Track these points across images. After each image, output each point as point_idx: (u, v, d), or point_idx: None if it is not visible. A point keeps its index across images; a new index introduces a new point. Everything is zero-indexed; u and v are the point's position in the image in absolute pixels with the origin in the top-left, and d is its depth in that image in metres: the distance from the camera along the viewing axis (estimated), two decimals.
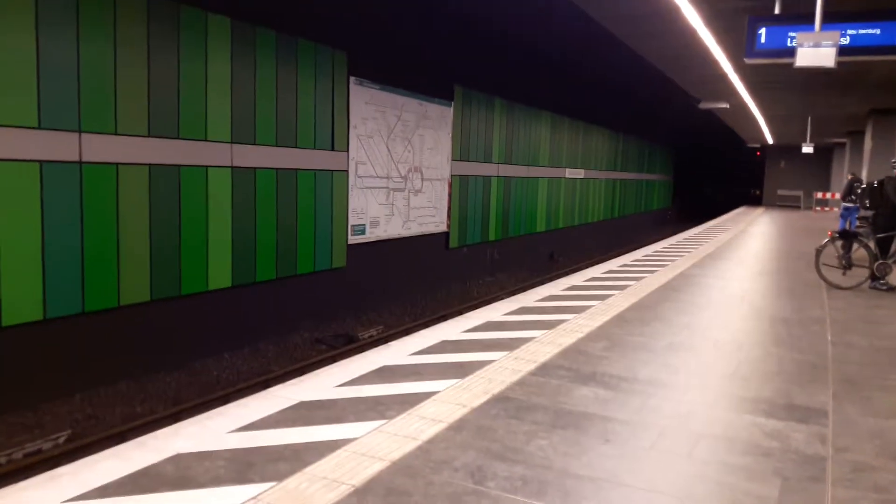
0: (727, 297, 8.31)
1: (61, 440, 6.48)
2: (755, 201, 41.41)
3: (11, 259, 6.78)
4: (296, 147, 10.26)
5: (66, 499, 2.84)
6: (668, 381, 4.76)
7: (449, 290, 14.72)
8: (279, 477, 3.11)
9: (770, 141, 32.71)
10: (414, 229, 13.56)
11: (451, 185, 14.76)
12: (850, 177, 16.99)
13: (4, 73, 6.58)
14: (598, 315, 6.94)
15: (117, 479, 3.03)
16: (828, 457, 3.56)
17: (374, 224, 12.31)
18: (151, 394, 7.86)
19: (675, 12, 8.88)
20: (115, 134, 7.68)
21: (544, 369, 4.95)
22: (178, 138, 8.41)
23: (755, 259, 12.52)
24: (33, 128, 6.88)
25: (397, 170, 12.86)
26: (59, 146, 7.12)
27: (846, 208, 16.05)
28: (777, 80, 14.56)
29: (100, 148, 7.51)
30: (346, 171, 11.41)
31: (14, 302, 6.82)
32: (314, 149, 10.64)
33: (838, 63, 6.71)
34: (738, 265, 11.48)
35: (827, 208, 31.81)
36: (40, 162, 6.97)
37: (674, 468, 3.36)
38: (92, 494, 2.88)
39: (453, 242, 15.13)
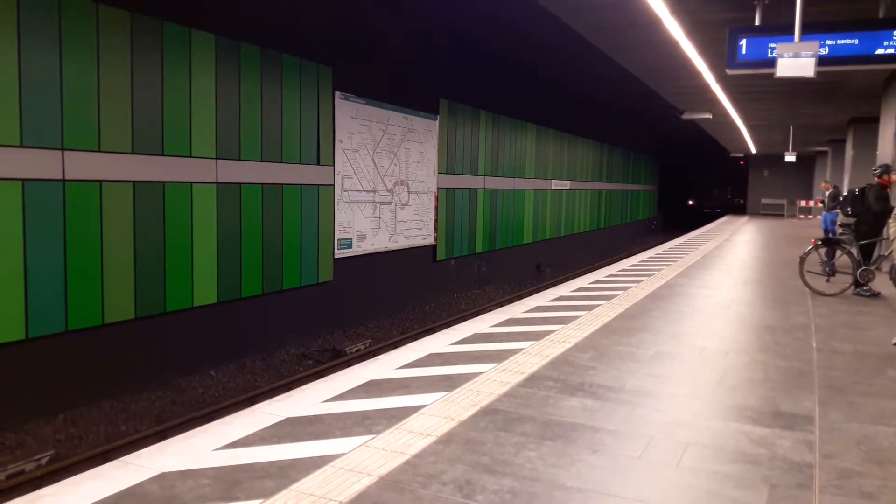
0: (713, 305, 8.35)
1: (44, 461, 6.38)
2: (739, 210, 41.82)
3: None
4: (281, 162, 10.24)
5: None
6: (656, 391, 4.77)
7: (437, 302, 14.71)
8: (266, 494, 3.08)
9: (753, 150, 33.06)
10: (401, 242, 13.55)
11: (437, 198, 14.78)
12: (825, 185, 17.13)
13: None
14: (585, 325, 6.95)
15: (101, 499, 2.99)
16: (815, 463, 3.57)
17: (361, 238, 12.29)
18: (135, 413, 7.77)
19: (656, 24, 8.98)
20: (99, 151, 7.63)
21: (532, 381, 4.94)
22: (162, 155, 8.37)
23: (740, 267, 12.60)
24: (15, 146, 6.83)
25: (384, 183, 12.86)
26: (42, 164, 7.06)
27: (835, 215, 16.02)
28: (759, 91, 14.75)
29: (83, 165, 7.46)
30: (333, 185, 11.40)
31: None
32: (300, 163, 10.62)
33: (818, 73, 6.81)
34: (724, 274, 11.55)
35: (810, 216, 32.14)
36: (22, 180, 6.91)
37: (662, 477, 3.36)
38: None
39: (440, 255, 15.13)
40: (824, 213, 16.29)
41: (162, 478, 3.21)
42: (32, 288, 7.06)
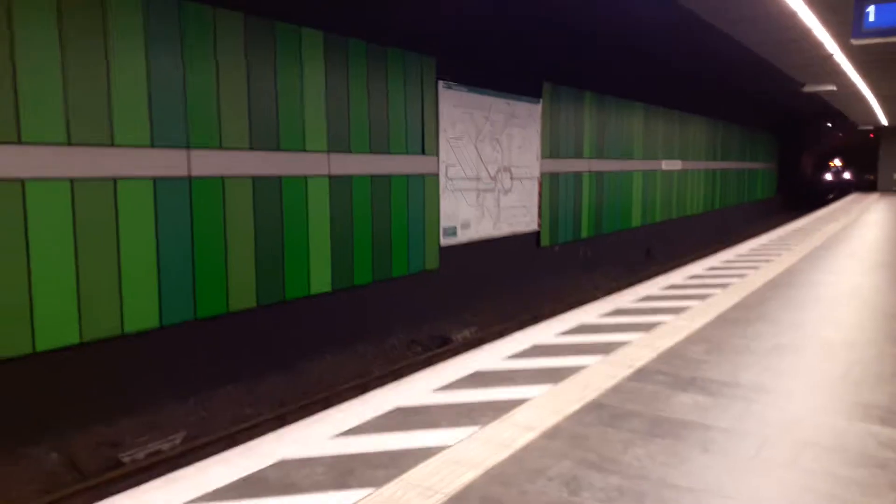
0: (838, 293, 7.86)
1: (178, 440, 6.90)
2: (869, 187, 38.89)
3: (131, 271, 7.28)
4: (389, 153, 10.49)
5: (182, 502, 3.04)
6: (773, 386, 4.57)
7: (541, 289, 14.63)
8: (377, 483, 3.21)
9: (884, 122, 30.59)
10: (504, 229, 13.56)
11: (541, 184, 14.66)
12: None
13: (120, 97, 7.08)
14: (697, 316, 6.73)
15: (226, 484, 3.21)
16: None
17: (465, 226, 12.40)
18: (259, 396, 8.24)
19: None
20: (221, 149, 8.10)
21: (641, 374, 4.85)
22: (278, 150, 8.78)
23: (869, 251, 11.76)
24: (147, 146, 7.37)
25: (486, 170, 12.90)
26: (171, 163, 7.59)
27: None
28: (890, 59, 13.62)
29: (207, 162, 7.95)
30: (437, 174, 11.55)
31: (133, 311, 7.32)
32: (406, 154, 10.83)
33: None
34: (850, 258, 10.83)
35: None
36: (154, 178, 7.45)
37: (778, 479, 3.23)
38: (205, 498, 3.08)
39: (545, 241, 15.02)
40: None
41: (281, 465, 3.41)
42: (165, 278, 7.61)
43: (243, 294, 8.48)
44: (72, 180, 6.75)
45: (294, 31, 8.92)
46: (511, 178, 13.64)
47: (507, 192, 13.53)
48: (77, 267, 6.84)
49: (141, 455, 6.56)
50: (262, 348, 8.81)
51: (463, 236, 12.36)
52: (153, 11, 7.34)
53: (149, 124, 7.38)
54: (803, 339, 5.80)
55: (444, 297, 11.92)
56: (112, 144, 7.06)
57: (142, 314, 7.43)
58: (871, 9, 7.07)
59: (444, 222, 11.85)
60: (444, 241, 11.88)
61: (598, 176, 17.28)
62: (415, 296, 11.29)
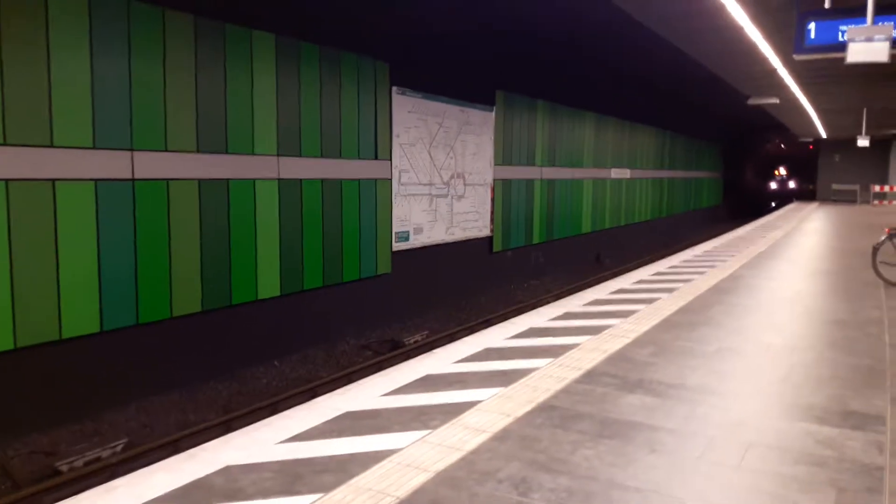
0: (779, 298, 8.10)
1: (119, 448, 6.69)
2: (809, 196, 40.29)
3: (70, 275, 7.03)
4: (340, 157, 10.40)
5: None
6: (718, 388, 4.67)
7: (493, 294, 14.70)
8: (326, 489, 3.15)
9: (823, 134, 31.76)
10: (457, 234, 13.59)
11: (493, 190, 14.75)
12: None
13: (61, 97, 6.84)
14: (644, 319, 6.84)
15: (170, 490, 3.12)
16: (885, 466, 3.44)
17: (418, 230, 12.38)
18: (202, 403, 8.05)
19: (719, 10, 8.71)
20: (166, 151, 7.91)
21: (590, 377, 4.90)
22: (226, 153, 8.61)
23: (808, 258, 12.17)
24: (88, 148, 7.14)
25: (440, 176, 12.91)
26: (113, 164, 7.37)
27: None
28: (829, 74, 14.14)
29: (151, 164, 7.74)
30: (390, 179, 11.51)
31: (72, 316, 7.07)
32: (358, 159, 10.76)
33: (893, 56, 6.49)
34: (791, 265, 11.18)
35: (886, 202, 30.73)
36: (95, 181, 7.22)
37: (724, 479, 3.30)
38: None
39: (497, 246, 15.11)
40: None
41: (226, 471, 3.33)
42: (106, 283, 7.38)
43: (188, 299, 8.28)
44: (7, 181, 6.49)
45: (245, 34, 8.78)
46: (464, 184, 13.69)
47: (460, 197, 13.57)
48: (11, 271, 6.58)
49: (79, 463, 6.33)
50: (208, 353, 8.61)
51: (416, 241, 12.33)
52: (98, 9, 7.13)
53: (91, 124, 7.16)
54: (746, 343, 5.95)
55: (397, 301, 11.87)
56: (51, 145, 6.82)
57: (81, 319, 7.18)
58: (812, 26, 7.32)
59: (397, 227, 11.81)
60: (397, 245, 11.83)
61: (550, 183, 17.47)
62: (366, 300, 11.21)
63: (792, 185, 47.44)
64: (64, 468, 6.24)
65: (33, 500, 5.74)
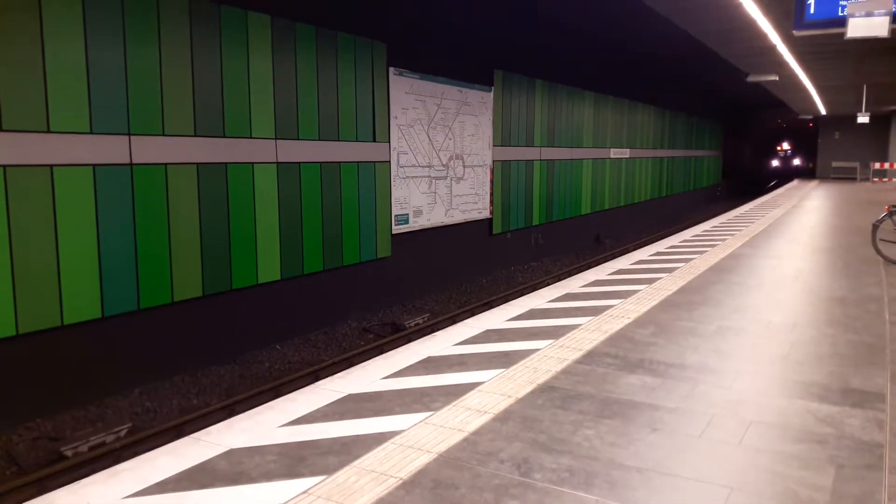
0: (780, 276, 8.11)
1: (123, 433, 6.72)
2: (809, 174, 40.21)
3: (70, 261, 7.03)
4: (338, 140, 10.35)
5: (126, 494, 2.95)
6: (718, 367, 4.69)
7: (494, 275, 14.72)
8: (329, 471, 3.18)
9: (823, 112, 31.63)
10: (457, 217, 13.56)
11: (492, 171, 14.71)
12: None
13: (57, 82, 6.80)
14: (645, 299, 6.85)
15: (175, 474, 3.14)
16: (885, 443, 3.46)
17: (418, 213, 12.36)
18: (206, 387, 8.08)
19: None
20: (163, 135, 7.87)
21: (590, 357, 4.92)
22: (223, 136, 8.57)
23: (809, 236, 12.16)
24: (86, 133, 7.10)
25: (439, 158, 12.86)
26: (111, 149, 7.34)
27: None
28: (829, 50, 14.05)
29: (149, 149, 7.71)
30: (388, 161, 11.47)
31: (73, 302, 7.08)
32: (356, 141, 10.71)
33: (893, 31, 6.45)
34: (791, 243, 11.18)
35: (886, 179, 30.67)
36: (93, 166, 7.20)
37: (724, 457, 3.32)
38: (151, 490, 2.99)
39: (497, 228, 15.10)
40: None
41: (230, 454, 3.35)
42: (107, 268, 7.38)
43: (189, 284, 8.28)
44: (4, 167, 6.47)
45: (240, 15, 8.70)
46: (463, 166, 13.64)
47: (459, 179, 13.53)
48: (12, 258, 6.57)
49: (84, 448, 6.37)
50: (210, 337, 8.63)
51: (415, 224, 12.32)
52: None
53: (87, 109, 7.11)
54: (747, 322, 5.96)
55: (397, 284, 11.88)
56: (48, 130, 6.79)
57: (82, 305, 7.18)
58: (812, 0, 7.26)
59: (396, 210, 11.79)
60: (397, 228, 11.82)
61: (549, 164, 17.42)
62: (367, 283, 11.22)
63: (797, 161, 46.95)
64: (69, 453, 6.28)
65: (39, 485, 5.78)
